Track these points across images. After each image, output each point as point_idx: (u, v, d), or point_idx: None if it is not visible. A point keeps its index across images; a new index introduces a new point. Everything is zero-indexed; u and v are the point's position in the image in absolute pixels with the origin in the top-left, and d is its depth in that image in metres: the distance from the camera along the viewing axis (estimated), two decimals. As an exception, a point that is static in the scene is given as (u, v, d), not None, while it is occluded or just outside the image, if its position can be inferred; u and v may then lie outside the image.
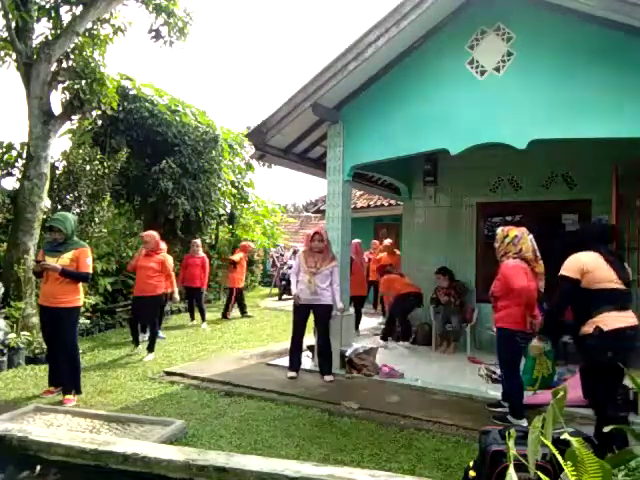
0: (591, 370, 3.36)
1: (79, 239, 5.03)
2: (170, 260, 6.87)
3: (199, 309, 9.11)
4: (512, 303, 4.09)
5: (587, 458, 1.42)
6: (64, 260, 4.63)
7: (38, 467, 2.01)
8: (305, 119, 6.00)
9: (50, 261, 4.61)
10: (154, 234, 6.71)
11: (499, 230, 4.35)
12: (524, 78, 4.71)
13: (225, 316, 10.13)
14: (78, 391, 4.78)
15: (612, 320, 3.22)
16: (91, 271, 4.88)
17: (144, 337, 7.00)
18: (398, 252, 8.84)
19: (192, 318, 9.32)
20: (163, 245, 7.04)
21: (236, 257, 10.13)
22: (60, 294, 4.63)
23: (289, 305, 12.77)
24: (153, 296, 6.53)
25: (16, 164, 8.22)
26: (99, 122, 10.17)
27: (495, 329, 4.30)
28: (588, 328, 3.27)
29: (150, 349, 6.56)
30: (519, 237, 4.17)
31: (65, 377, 4.74)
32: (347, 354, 5.67)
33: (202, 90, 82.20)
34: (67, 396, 4.64)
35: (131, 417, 4.09)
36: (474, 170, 7.29)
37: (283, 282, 14.43)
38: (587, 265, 3.32)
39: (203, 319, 9.06)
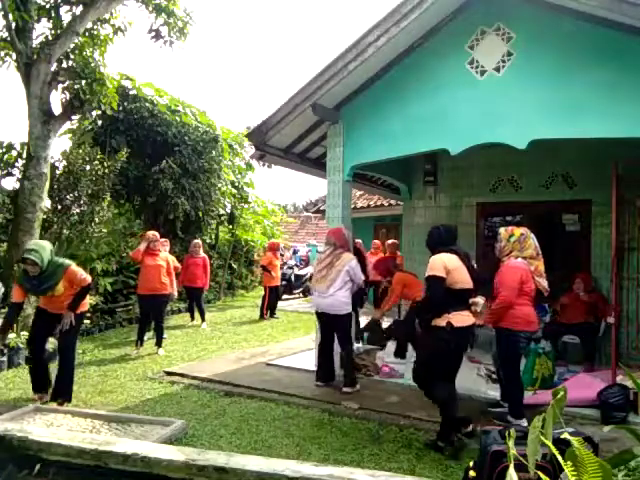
0: (433, 356, 3.80)
1: (56, 260, 4.45)
2: (175, 260, 7.11)
3: (199, 309, 9.12)
4: (515, 303, 4.10)
5: (587, 458, 1.42)
6: (59, 291, 4.38)
7: (37, 466, 2.00)
8: (305, 119, 5.99)
9: (43, 302, 4.45)
10: (157, 234, 7.08)
11: (502, 230, 4.39)
12: (524, 78, 4.70)
13: (262, 316, 10.24)
14: (70, 398, 4.55)
15: (461, 318, 3.69)
16: (89, 278, 4.59)
17: (147, 336, 7.15)
18: (399, 253, 8.79)
19: (192, 318, 9.32)
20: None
21: (263, 260, 10.53)
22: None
23: (289, 305, 12.86)
24: (164, 294, 6.85)
25: (16, 164, 8.23)
26: (99, 122, 10.16)
27: (493, 328, 4.28)
28: (441, 322, 3.67)
29: (159, 344, 6.85)
30: (525, 235, 4.26)
31: (60, 383, 4.51)
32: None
33: (202, 90, 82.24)
34: (55, 402, 4.46)
35: (131, 417, 4.09)
36: (474, 170, 7.28)
37: (283, 282, 14.42)
38: (448, 265, 3.71)
39: (203, 319, 9.07)
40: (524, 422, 3.99)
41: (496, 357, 4.56)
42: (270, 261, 10.22)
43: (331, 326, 5.19)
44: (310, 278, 15.52)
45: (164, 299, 6.97)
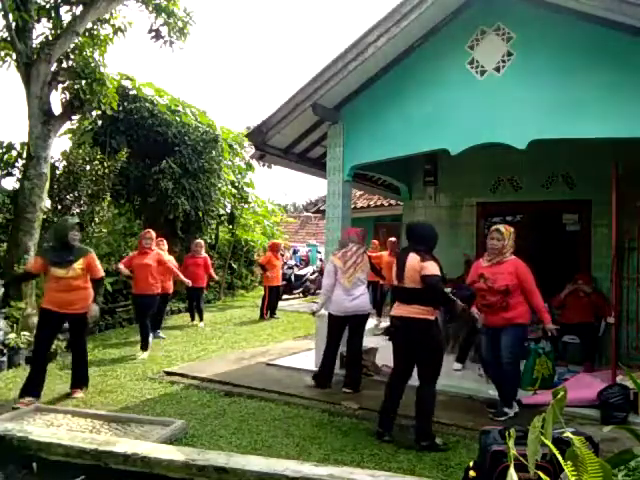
0: None
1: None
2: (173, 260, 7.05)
3: (197, 309, 9.12)
4: (524, 299, 4.29)
5: (587, 458, 1.42)
6: (76, 271, 4.66)
7: (34, 465, 2.00)
8: (305, 119, 5.99)
9: (59, 272, 4.60)
10: (151, 231, 6.96)
11: (502, 228, 4.48)
12: (524, 78, 4.70)
13: (262, 316, 10.15)
14: (87, 383, 5.01)
15: (392, 310, 4.09)
16: (103, 272, 5.00)
17: (151, 337, 7.08)
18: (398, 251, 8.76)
19: (192, 318, 9.31)
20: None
21: (262, 260, 10.50)
22: (78, 301, 4.72)
23: (289, 305, 12.86)
24: (151, 294, 6.66)
25: (16, 164, 8.22)
26: (99, 122, 10.16)
27: (508, 325, 4.31)
28: None
29: (145, 347, 6.58)
30: (513, 230, 4.53)
31: (77, 372, 4.92)
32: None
33: (202, 90, 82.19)
34: (78, 389, 4.89)
35: (131, 417, 4.09)
36: (474, 170, 7.28)
37: (283, 282, 14.40)
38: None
39: (201, 319, 9.08)
40: (514, 409, 4.27)
41: (488, 358, 4.55)
42: (269, 260, 10.19)
43: (351, 327, 5.13)
44: (310, 279, 15.53)
45: (150, 299, 6.66)
